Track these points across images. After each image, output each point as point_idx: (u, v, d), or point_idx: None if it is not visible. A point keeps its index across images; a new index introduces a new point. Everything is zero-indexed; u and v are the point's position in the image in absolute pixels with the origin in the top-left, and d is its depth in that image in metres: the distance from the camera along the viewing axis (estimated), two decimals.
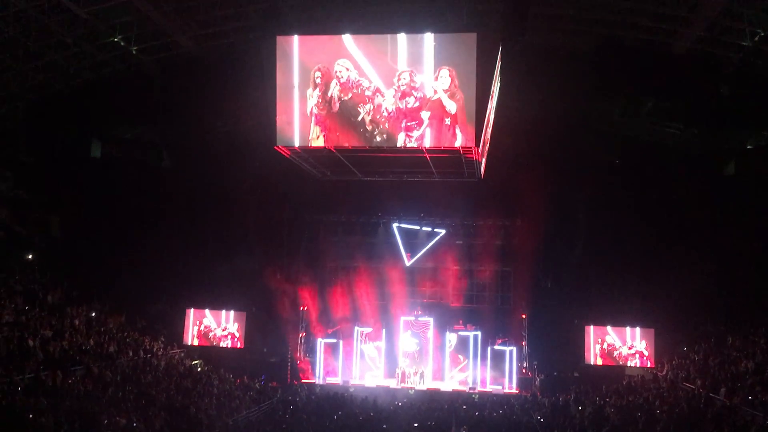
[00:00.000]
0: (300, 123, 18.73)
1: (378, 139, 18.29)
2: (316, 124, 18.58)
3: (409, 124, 17.94)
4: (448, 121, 17.63)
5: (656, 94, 25.37)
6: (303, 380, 29.76)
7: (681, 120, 26.75)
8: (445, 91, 17.39)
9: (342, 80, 18.02)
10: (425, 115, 17.79)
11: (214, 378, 26.46)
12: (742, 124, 25.37)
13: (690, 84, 23.79)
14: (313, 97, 18.36)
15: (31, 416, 16.74)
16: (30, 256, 28.67)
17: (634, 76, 24.11)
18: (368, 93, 18.01)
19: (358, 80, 18.01)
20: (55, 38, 22.64)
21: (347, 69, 17.97)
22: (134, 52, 23.68)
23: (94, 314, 26.44)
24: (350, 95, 18.15)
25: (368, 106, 18.07)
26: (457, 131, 17.72)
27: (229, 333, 29.79)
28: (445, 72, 17.27)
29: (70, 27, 22.06)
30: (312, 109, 18.45)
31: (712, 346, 24.76)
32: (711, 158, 27.18)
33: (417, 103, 17.69)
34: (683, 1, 20.30)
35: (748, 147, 26.74)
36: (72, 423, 17.16)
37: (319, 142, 18.76)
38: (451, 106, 17.50)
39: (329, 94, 18.24)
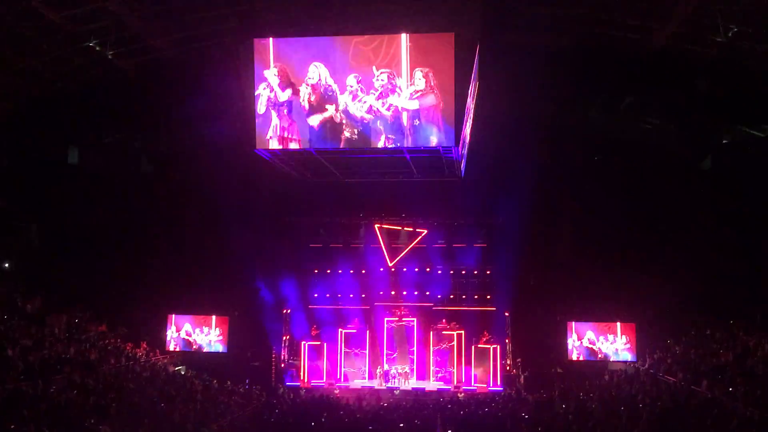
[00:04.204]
0: (276, 122, 18.71)
1: (350, 137, 18.29)
2: (289, 123, 18.59)
3: (387, 124, 17.96)
4: (426, 121, 17.67)
5: (633, 91, 25.59)
6: (288, 383, 29.67)
7: (658, 116, 27.02)
8: (423, 91, 17.43)
9: (312, 82, 18.02)
10: (404, 115, 17.83)
11: (197, 384, 26.28)
12: (718, 119, 25.66)
13: (666, 80, 24.03)
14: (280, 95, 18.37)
15: (12, 427, 16.56)
16: (8, 265, 28.34)
17: (611, 73, 24.30)
18: (347, 92, 18.03)
19: (328, 84, 18.03)
20: (29, 44, 22.37)
21: (319, 71, 17.97)
22: (110, 57, 23.45)
23: (75, 322, 26.20)
24: (320, 96, 18.14)
25: (341, 106, 18.07)
26: (437, 131, 17.77)
27: (211, 338, 29.60)
28: (420, 73, 17.32)
29: (45, 32, 21.80)
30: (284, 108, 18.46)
31: (692, 339, 25.01)
32: (688, 153, 27.43)
33: (396, 104, 17.72)
34: None
35: (724, 142, 27.04)
36: None
37: (296, 144, 18.75)
38: (430, 106, 17.56)
39: (301, 95, 18.23)
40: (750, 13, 19.68)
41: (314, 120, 18.40)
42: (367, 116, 17.97)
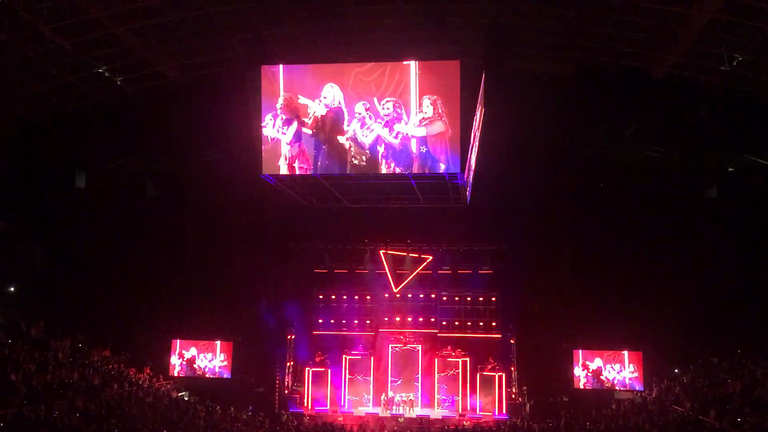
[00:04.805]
0: (284, 151, 18.80)
1: (358, 164, 18.34)
2: (299, 149, 18.65)
3: (395, 151, 18.02)
4: (433, 147, 17.72)
5: (638, 119, 25.67)
6: (291, 410, 29.44)
7: (663, 144, 27.07)
8: (429, 118, 17.50)
9: (327, 101, 18.09)
10: (412, 142, 17.90)
11: (200, 410, 26.11)
12: (723, 147, 25.70)
13: (671, 108, 24.12)
14: (288, 130, 18.48)
15: None
16: (12, 289, 28.34)
17: (615, 101, 24.40)
18: (355, 119, 18.10)
19: (340, 107, 18.12)
20: (38, 69, 22.61)
21: (334, 92, 18.07)
22: (119, 83, 23.68)
23: (78, 346, 26.13)
24: (330, 120, 18.23)
25: (349, 133, 18.15)
26: (438, 157, 17.82)
27: (215, 363, 29.47)
28: (428, 100, 17.41)
29: (54, 58, 22.06)
30: (291, 135, 18.54)
31: (700, 368, 24.80)
32: (694, 181, 27.44)
33: (402, 131, 17.79)
34: (662, 27, 20.64)
35: (730, 170, 27.05)
36: None
37: (303, 170, 18.80)
38: (437, 133, 17.62)
39: (309, 119, 18.31)
40: (754, 42, 19.81)
41: (322, 145, 18.48)
42: (379, 149, 18.02)
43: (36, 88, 23.99)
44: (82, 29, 20.81)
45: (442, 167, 17.86)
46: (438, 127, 17.54)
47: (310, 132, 18.42)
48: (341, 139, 18.23)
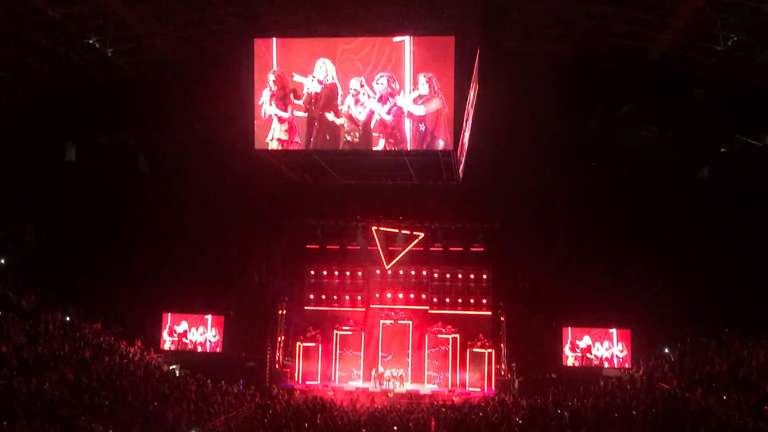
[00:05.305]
0: (276, 125, 18.67)
1: (351, 140, 18.24)
2: (289, 126, 18.52)
3: (389, 128, 17.92)
4: (431, 125, 17.63)
5: (631, 99, 25.62)
6: (282, 384, 29.63)
7: (656, 124, 27.05)
8: (427, 96, 17.39)
9: (320, 77, 17.93)
10: (403, 118, 17.79)
11: (191, 383, 26.22)
12: (716, 128, 25.72)
13: (665, 89, 24.08)
14: (278, 100, 18.31)
15: (5, 423, 16.53)
16: (3, 261, 28.26)
17: (609, 81, 24.33)
18: (350, 95, 17.97)
19: (334, 83, 17.97)
20: (30, 41, 22.32)
21: (326, 67, 17.90)
22: (110, 55, 23.41)
23: (69, 319, 26.13)
24: (324, 97, 18.08)
25: (343, 110, 18.03)
26: (436, 135, 17.73)
27: (206, 337, 29.56)
28: (424, 77, 17.27)
29: (45, 29, 21.77)
30: (288, 110, 18.39)
31: (687, 347, 25.04)
32: (686, 162, 27.48)
33: (395, 108, 17.68)
34: (658, 7, 20.52)
35: (722, 151, 27.10)
36: (46, 430, 16.95)
37: (296, 146, 18.69)
38: (429, 110, 17.51)
39: (303, 95, 18.15)
40: (749, 23, 19.75)
41: (315, 122, 18.35)
42: (372, 125, 17.88)
43: (27, 60, 23.71)
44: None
45: (441, 144, 17.76)
46: (435, 104, 17.41)
47: (303, 113, 18.29)
48: (333, 116, 18.10)
